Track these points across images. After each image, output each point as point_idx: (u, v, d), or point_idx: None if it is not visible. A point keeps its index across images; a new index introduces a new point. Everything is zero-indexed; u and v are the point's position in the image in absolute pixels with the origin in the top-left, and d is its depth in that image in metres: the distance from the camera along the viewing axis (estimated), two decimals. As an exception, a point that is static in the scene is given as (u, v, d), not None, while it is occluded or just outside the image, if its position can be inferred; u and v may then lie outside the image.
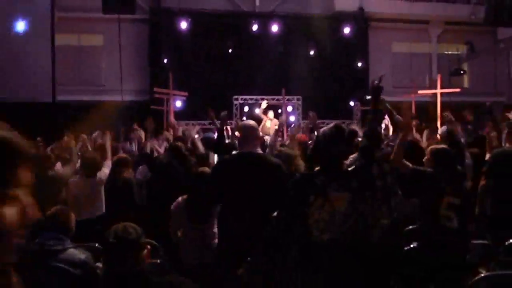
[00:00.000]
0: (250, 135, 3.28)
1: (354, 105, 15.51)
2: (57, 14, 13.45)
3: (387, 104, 4.44)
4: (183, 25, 14.41)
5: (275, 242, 2.63)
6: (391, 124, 4.48)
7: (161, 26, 14.57)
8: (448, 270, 3.46)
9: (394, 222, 4.14)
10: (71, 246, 2.65)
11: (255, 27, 14.91)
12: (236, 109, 14.96)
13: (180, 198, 3.82)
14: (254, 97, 14.86)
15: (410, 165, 3.64)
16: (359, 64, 15.84)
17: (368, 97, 12.58)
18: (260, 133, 6.87)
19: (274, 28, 14.97)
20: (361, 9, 15.77)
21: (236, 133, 3.49)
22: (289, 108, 14.96)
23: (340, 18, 15.45)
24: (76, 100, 13.89)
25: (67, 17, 13.94)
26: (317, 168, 2.69)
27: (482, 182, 4.07)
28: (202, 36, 14.55)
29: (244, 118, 14.31)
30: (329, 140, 2.67)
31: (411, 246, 3.72)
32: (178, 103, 13.74)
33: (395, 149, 3.66)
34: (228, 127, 7.85)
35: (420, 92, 13.01)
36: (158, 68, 14.18)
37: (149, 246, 2.14)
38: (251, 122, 3.45)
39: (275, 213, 2.68)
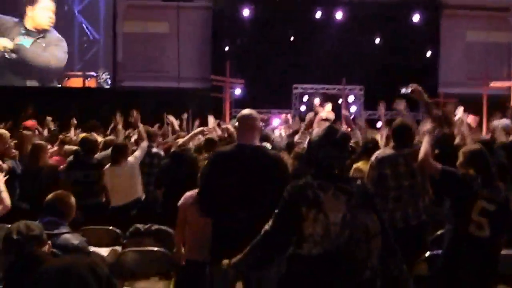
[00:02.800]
0: (249, 125, 3.12)
1: None
2: (124, 2, 14.12)
3: (426, 97, 4.18)
4: (246, 12, 14.39)
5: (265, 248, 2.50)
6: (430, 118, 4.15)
7: (223, 14, 14.57)
8: (476, 280, 3.15)
9: (423, 225, 4.01)
10: (67, 232, 2.71)
11: (318, 14, 14.56)
12: (296, 98, 14.88)
13: (188, 193, 3.72)
14: (314, 86, 14.71)
15: (439, 165, 3.38)
16: (428, 54, 15.11)
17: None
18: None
19: (338, 15, 14.56)
20: (433, -5, 15.34)
21: (236, 124, 3.35)
22: (351, 98, 14.81)
23: (410, 5, 14.73)
24: (141, 86, 14.31)
25: (134, 4, 14.46)
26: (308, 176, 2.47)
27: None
28: (264, 23, 14.43)
29: (304, 108, 14.51)
30: (318, 144, 2.47)
31: (435, 252, 3.53)
32: (238, 91, 14.18)
33: (422, 148, 3.45)
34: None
35: (492, 84, 12.20)
36: (220, 56, 14.17)
37: (50, 242, 2.36)
38: (250, 111, 3.27)
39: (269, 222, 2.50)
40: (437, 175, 3.39)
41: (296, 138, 5.55)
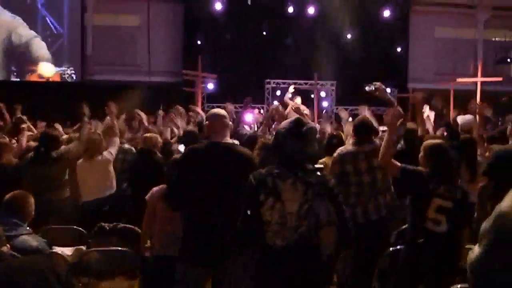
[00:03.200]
0: (218, 123, 3.19)
1: (391, 91, 14.46)
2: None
3: (389, 96, 4.23)
4: (218, 6, 14.13)
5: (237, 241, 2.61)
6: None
7: (196, 7, 14.31)
8: (435, 274, 3.29)
9: (383, 221, 4.09)
10: (25, 233, 2.68)
11: (290, 9, 14.46)
12: (268, 93, 14.66)
13: (156, 188, 3.77)
14: (287, 81, 14.19)
15: (399, 164, 3.48)
16: (399, 49, 15.24)
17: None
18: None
19: (311, 10, 14.44)
20: (403, -9, 15.22)
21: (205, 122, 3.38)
22: (322, 94, 14.67)
23: (381, 0, 14.67)
24: (112, 80, 13.88)
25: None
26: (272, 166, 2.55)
27: (482, 183, 3.78)
28: (237, 17, 14.28)
29: (276, 102, 14.12)
30: (284, 135, 2.54)
31: (397, 247, 3.61)
32: (210, 86, 13.85)
33: (382, 148, 3.56)
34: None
35: (459, 80, 12.35)
36: (192, 50, 13.95)
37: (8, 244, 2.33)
38: (219, 110, 3.37)
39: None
40: (397, 174, 3.51)
41: (259, 131, 5.72)
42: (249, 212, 2.45)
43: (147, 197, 3.76)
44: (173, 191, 3.34)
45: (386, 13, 14.73)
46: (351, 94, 13.71)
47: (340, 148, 4.31)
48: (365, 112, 5.53)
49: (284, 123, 2.63)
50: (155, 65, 14.24)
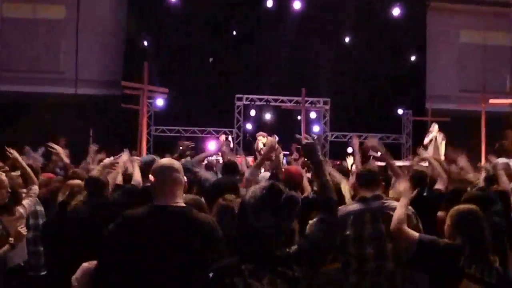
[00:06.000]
0: (168, 180, 3.12)
1: (404, 113, 14.79)
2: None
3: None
4: (172, -3, 13.06)
5: None
6: None
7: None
8: None
9: None
10: None
11: (269, 3, 14.01)
12: (239, 112, 14.27)
13: (86, 264, 3.57)
14: (265, 97, 14.10)
15: (415, 234, 3.53)
16: (413, 58, 14.78)
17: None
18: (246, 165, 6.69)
19: (296, 5, 13.95)
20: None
21: (150, 177, 3.29)
22: (312, 115, 14.50)
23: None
24: (24, 92, 13.45)
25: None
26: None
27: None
28: (196, 13, 13.86)
29: (250, 126, 14.31)
30: (255, 208, 2.48)
31: None
32: (160, 102, 13.67)
33: (396, 213, 3.67)
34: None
35: (492, 101, 12.24)
36: (135, 55, 13.55)
37: None
38: (170, 160, 3.30)
39: None
40: (413, 246, 3.52)
41: (247, 174, 5.39)
42: None
43: (74, 276, 3.56)
44: (101, 272, 3.28)
45: (396, 11, 14.77)
46: (350, 117, 14.46)
47: (340, 207, 4.10)
48: (372, 142, 5.32)
49: (253, 191, 2.53)
50: (84, 72, 13.86)
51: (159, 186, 3.13)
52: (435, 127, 11.74)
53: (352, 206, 4.17)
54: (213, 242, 3.00)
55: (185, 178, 3.33)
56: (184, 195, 3.39)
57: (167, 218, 3.05)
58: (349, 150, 13.14)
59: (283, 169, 5.81)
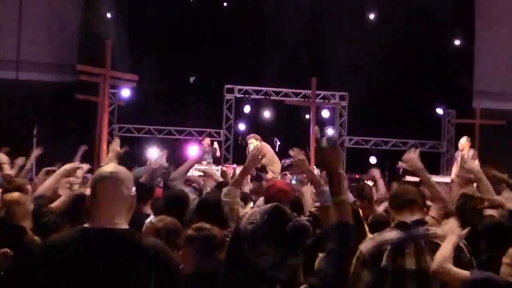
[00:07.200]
0: (109, 195, 2.89)
1: (444, 113, 14.17)
2: None
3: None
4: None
5: None
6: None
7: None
8: None
9: None
10: None
11: None
12: (229, 108, 13.69)
13: None
14: (264, 88, 13.54)
15: (467, 273, 3.49)
16: (457, 43, 13.90)
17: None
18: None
19: None
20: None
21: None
22: (325, 113, 13.77)
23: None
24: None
25: None
26: None
27: None
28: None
29: (244, 126, 13.55)
30: (253, 239, 2.37)
31: None
32: (126, 93, 12.89)
33: (440, 252, 3.57)
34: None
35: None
36: (94, 32, 12.86)
37: None
38: (114, 167, 3.07)
39: None
40: (465, 286, 3.54)
41: (225, 190, 5.31)
42: None
43: None
44: None
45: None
46: (373, 116, 13.41)
47: (371, 236, 4.24)
48: (411, 155, 4.65)
49: (252, 215, 2.45)
50: (29, 53, 13.20)
51: (94, 201, 2.96)
52: (462, 141, 10.41)
53: (389, 233, 4.13)
54: (164, 276, 2.83)
55: (133, 191, 3.05)
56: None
57: (101, 244, 2.87)
58: (372, 160, 13.25)
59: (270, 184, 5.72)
